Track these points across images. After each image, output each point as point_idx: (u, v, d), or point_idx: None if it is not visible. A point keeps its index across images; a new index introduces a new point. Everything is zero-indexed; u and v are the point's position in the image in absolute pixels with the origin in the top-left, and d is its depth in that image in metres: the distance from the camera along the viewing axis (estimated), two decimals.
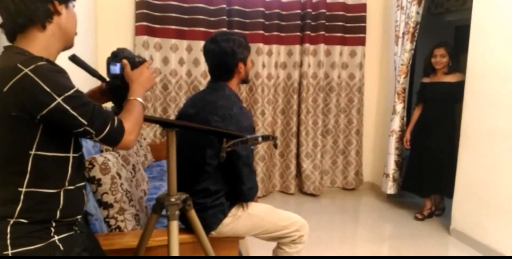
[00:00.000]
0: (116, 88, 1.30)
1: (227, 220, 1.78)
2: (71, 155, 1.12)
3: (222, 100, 1.75)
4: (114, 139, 1.10)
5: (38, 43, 1.09)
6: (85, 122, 1.04)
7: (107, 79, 1.32)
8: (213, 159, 1.71)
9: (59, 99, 1.00)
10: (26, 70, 0.98)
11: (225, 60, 1.76)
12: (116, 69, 1.28)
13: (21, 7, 1.05)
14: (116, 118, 1.11)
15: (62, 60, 1.20)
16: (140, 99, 1.21)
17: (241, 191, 1.75)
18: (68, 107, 1.01)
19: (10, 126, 1.02)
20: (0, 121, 1.02)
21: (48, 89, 0.99)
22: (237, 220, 1.79)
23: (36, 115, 1.00)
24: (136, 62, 1.29)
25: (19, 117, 1.00)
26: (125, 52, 1.30)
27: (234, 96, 1.82)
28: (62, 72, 1.06)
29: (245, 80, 1.89)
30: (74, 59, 1.24)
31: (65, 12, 1.13)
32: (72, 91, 1.02)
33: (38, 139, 1.04)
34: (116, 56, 1.29)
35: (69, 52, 1.23)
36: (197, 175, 1.75)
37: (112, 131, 1.08)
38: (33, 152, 1.04)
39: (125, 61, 1.27)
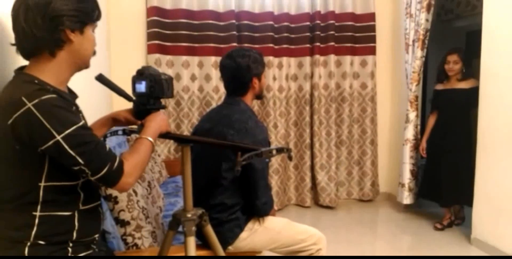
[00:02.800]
0: (142, 107, 1.28)
1: (243, 235, 1.77)
2: (80, 181, 1.11)
3: (238, 114, 1.77)
4: (110, 181, 1.06)
5: (47, 69, 1.08)
6: (82, 162, 1.01)
7: (134, 98, 1.30)
8: (228, 173, 1.72)
9: (58, 137, 0.98)
10: (29, 105, 0.96)
11: (239, 74, 1.79)
12: (141, 87, 1.26)
13: (29, 34, 1.03)
14: (118, 159, 1.07)
15: (88, 79, 1.19)
16: (150, 139, 1.17)
17: (255, 206, 1.74)
18: (66, 146, 0.98)
19: (17, 159, 1.02)
20: (7, 155, 1.02)
21: (48, 126, 0.97)
22: (253, 234, 1.78)
23: (36, 149, 1.00)
24: (162, 80, 1.26)
25: (22, 151, 1.00)
26: (150, 69, 1.28)
27: (249, 110, 1.84)
28: (68, 105, 1.04)
29: (259, 96, 1.92)
30: (100, 78, 1.23)
31: (79, 39, 1.09)
32: (74, 127, 1.00)
33: (46, 170, 1.04)
34: (142, 74, 1.27)
35: (94, 71, 1.21)
36: (213, 189, 1.75)
37: (109, 173, 1.04)
38: (42, 183, 1.04)
39: None
